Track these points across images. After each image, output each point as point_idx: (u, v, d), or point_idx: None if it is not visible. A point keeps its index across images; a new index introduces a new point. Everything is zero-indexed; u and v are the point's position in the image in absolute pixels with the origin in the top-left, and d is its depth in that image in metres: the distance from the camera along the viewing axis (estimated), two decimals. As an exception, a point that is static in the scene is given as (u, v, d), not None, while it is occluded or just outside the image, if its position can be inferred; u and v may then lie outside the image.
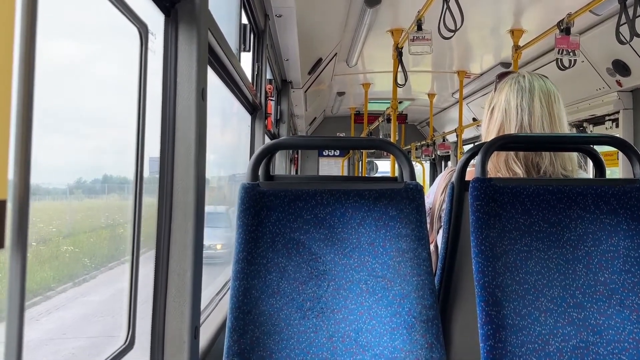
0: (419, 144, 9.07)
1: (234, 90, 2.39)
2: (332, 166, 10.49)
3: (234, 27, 2.65)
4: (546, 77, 1.64)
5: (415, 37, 3.89)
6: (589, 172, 2.53)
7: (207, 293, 2.14)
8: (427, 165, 10.58)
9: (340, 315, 1.26)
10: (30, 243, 0.73)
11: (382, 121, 7.64)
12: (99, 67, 1.37)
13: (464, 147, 6.35)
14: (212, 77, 1.90)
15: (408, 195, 1.31)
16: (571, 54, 3.57)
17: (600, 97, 4.13)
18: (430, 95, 7.43)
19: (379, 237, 1.29)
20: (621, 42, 2.91)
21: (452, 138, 8.14)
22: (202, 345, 1.54)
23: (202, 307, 1.52)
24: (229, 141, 3.26)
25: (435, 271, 1.55)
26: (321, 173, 10.26)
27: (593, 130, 4.39)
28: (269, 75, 3.62)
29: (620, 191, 1.33)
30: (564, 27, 3.52)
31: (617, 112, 4.03)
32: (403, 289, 1.26)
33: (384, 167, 10.68)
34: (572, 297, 1.27)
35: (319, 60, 5.07)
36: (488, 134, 1.65)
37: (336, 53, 5.17)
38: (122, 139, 1.41)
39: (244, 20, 2.79)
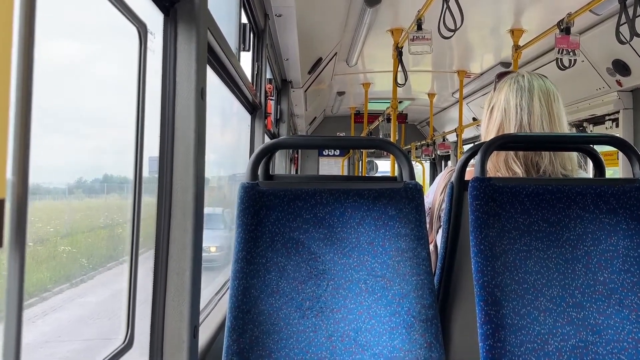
0: (419, 143, 9.07)
1: (233, 89, 2.39)
2: (332, 166, 10.49)
3: (234, 27, 2.65)
4: (545, 76, 1.64)
5: (415, 37, 3.89)
6: (589, 172, 2.53)
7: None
8: (427, 165, 10.58)
9: (340, 314, 1.26)
10: (27, 243, 0.72)
11: (382, 121, 7.64)
12: (98, 66, 1.37)
13: (464, 146, 6.35)
14: (211, 76, 1.90)
15: (407, 195, 1.31)
16: (571, 53, 3.57)
17: (600, 96, 4.13)
18: (430, 95, 7.43)
19: (378, 237, 1.29)
20: (621, 42, 2.91)
21: (452, 138, 8.14)
22: (202, 345, 1.54)
23: (201, 307, 1.52)
24: (229, 141, 3.26)
25: (435, 271, 1.55)
26: (321, 173, 10.27)
27: (593, 130, 4.39)
28: (268, 75, 3.62)
29: (619, 191, 1.33)
30: (564, 27, 3.52)
31: (617, 112, 4.03)
32: (402, 289, 1.26)
33: (384, 167, 10.68)
34: (571, 297, 1.27)
35: (319, 60, 5.07)
36: (487, 133, 1.65)
37: (336, 53, 5.17)
38: (122, 139, 1.41)
39: (244, 20, 2.79)
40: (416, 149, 9.18)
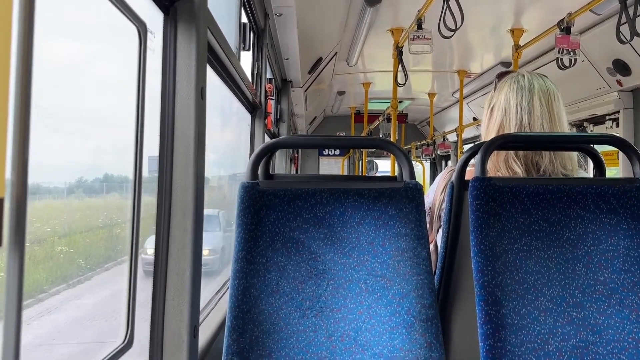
0: (419, 143, 9.07)
1: (233, 89, 2.39)
2: (332, 166, 10.49)
3: (234, 26, 2.64)
4: (545, 76, 1.64)
5: (415, 37, 3.88)
6: (589, 172, 2.53)
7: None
8: (427, 164, 10.58)
9: (340, 314, 1.26)
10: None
11: (382, 120, 7.64)
12: (98, 66, 1.37)
13: (464, 146, 6.35)
14: (211, 76, 1.90)
15: (408, 195, 1.31)
16: (571, 53, 3.57)
17: (600, 96, 4.13)
18: (431, 95, 7.43)
19: (378, 236, 1.29)
20: (621, 42, 2.91)
21: (452, 137, 8.14)
22: (201, 345, 1.53)
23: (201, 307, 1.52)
24: (229, 140, 3.26)
25: (435, 270, 1.55)
26: (321, 172, 10.27)
27: (593, 130, 4.39)
28: (268, 75, 3.62)
29: (620, 190, 1.33)
30: (565, 27, 3.51)
31: (618, 112, 4.03)
32: (402, 288, 1.26)
33: (385, 166, 10.68)
34: (571, 297, 1.26)
35: (319, 60, 5.07)
36: (488, 133, 1.65)
37: (336, 52, 5.17)
38: (122, 138, 1.41)
39: (244, 19, 2.79)
40: (416, 148, 9.18)
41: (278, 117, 4.59)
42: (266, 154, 1.37)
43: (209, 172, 1.50)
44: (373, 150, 9.01)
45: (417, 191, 1.32)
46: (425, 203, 1.49)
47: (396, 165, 1.41)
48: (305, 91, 5.74)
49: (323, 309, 1.26)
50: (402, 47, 4.49)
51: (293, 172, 8.12)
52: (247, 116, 3.22)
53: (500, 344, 1.22)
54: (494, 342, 1.22)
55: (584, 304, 1.26)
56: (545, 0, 3.67)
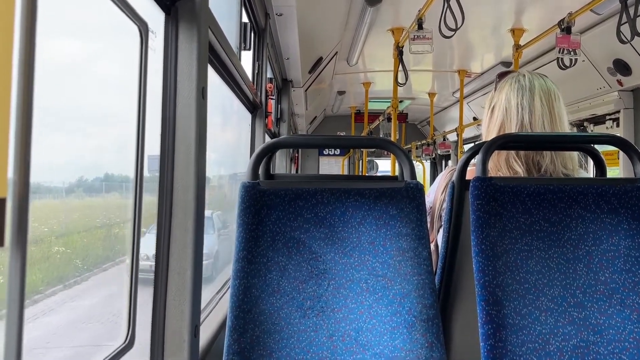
0: (420, 143, 9.07)
1: (234, 88, 2.39)
2: (332, 165, 10.49)
3: (235, 26, 2.64)
4: (546, 76, 1.64)
5: (416, 36, 3.88)
6: (590, 172, 2.52)
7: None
8: (427, 164, 10.57)
9: (341, 314, 1.26)
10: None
11: (382, 120, 7.64)
12: (99, 65, 1.37)
13: (464, 146, 6.35)
14: (212, 75, 1.90)
15: (408, 194, 1.31)
16: (572, 53, 3.57)
17: (601, 96, 4.13)
18: (431, 95, 7.43)
19: (379, 236, 1.29)
20: (622, 42, 2.91)
21: (452, 137, 8.14)
22: (202, 344, 1.54)
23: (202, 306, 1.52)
24: (229, 140, 3.26)
25: (436, 270, 1.55)
26: (321, 172, 10.27)
27: (594, 130, 4.39)
28: (269, 74, 3.62)
29: (621, 190, 1.33)
30: (565, 27, 3.51)
31: (618, 112, 4.03)
32: (403, 288, 1.26)
33: (385, 166, 10.68)
34: (572, 297, 1.26)
35: (320, 59, 5.07)
36: (488, 133, 1.65)
37: (337, 52, 5.17)
38: (123, 138, 1.40)
39: (245, 19, 2.79)
40: (417, 148, 9.18)
41: (278, 116, 4.59)
42: (267, 153, 1.37)
43: (209, 171, 1.49)
44: (373, 150, 9.01)
45: (418, 191, 1.32)
46: (426, 203, 1.49)
47: (397, 165, 1.41)
48: (306, 91, 5.74)
49: (324, 308, 1.26)
50: (402, 47, 4.49)
51: (293, 171, 8.12)
52: (248, 115, 3.22)
53: (501, 344, 1.22)
54: (494, 342, 1.22)
55: (585, 304, 1.26)
56: (545, 0, 3.67)
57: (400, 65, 4.54)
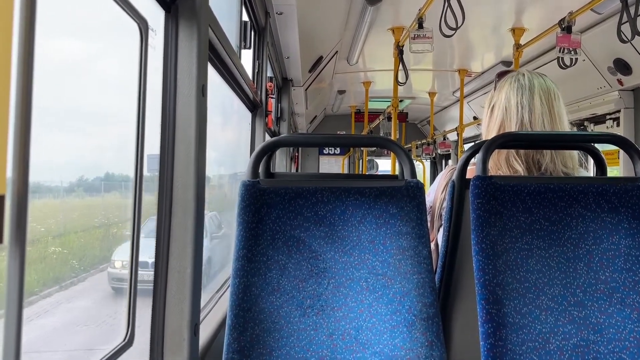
0: (420, 142, 9.07)
1: (234, 87, 2.39)
2: (332, 165, 10.49)
3: (235, 24, 2.64)
4: (545, 75, 1.64)
5: (416, 35, 3.88)
6: (590, 171, 2.52)
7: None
8: (427, 164, 10.58)
9: (341, 313, 1.26)
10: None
11: (382, 119, 7.64)
12: (99, 63, 1.37)
13: (464, 145, 6.34)
14: (212, 74, 1.90)
15: (409, 193, 1.31)
16: (572, 52, 3.57)
17: (601, 95, 4.13)
18: (431, 94, 7.43)
19: (379, 235, 1.29)
20: (622, 41, 2.91)
21: (452, 137, 8.14)
22: (202, 343, 1.53)
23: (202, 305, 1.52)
24: (229, 139, 3.25)
25: (436, 269, 1.55)
26: (321, 171, 10.27)
27: (594, 129, 4.39)
28: (269, 73, 3.62)
29: (621, 189, 1.32)
30: (565, 26, 3.51)
31: (618, 111, 4.03)
32: (403, 287, 1.26)
33: (385, 166, 10.67)
34: (572, 296, 1.26)
35: (320, 58, 5.06)
36: (488, 132, 1.65)
37: (337, 51, 5.16)
38: (123, 136, 1.40)
39: (245, 18, 2.78)
40: (417, 147, 9.18)
41: (278, 115, 4.58)
42: (267, 152, 1.37)
43: (208, 171, 1.47)
44: (373, 149, 9.01)
45: (418, 190, 1.32)
46: (426, 202, 1.49)
47: (397, 163, 1.41)
48: (306, 90, 5.74)
49: (324, 307, 1.26)
50: (402, 46, 4.49)
51: (293, 170, 8.12)
52: (248, 114, 3.22)
53: (501, 343, 1.22)
54: (494, 340, 1.22)
55: (585, 303, 1.26)
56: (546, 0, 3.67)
57: (401, 65, 4.54)
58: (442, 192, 1.67)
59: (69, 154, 1.25)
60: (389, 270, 1.27)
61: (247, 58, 2.98)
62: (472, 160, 1.48)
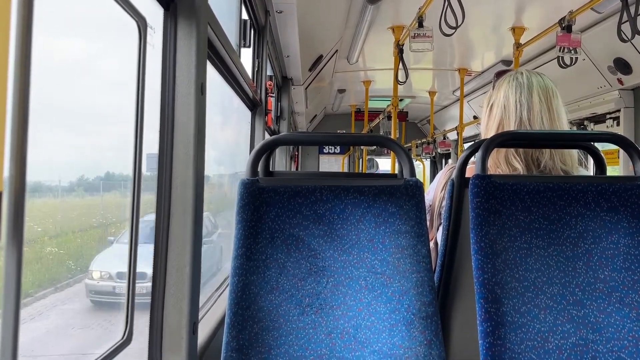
0: (420, 141, 9.07)
1: (233, 86, 2.38)
2: (332, 164, 10.49)
3: (234, 23, 2.64)
4: (544, 74, 1.64)
5: (416, 34, 3.88)
6: (590, 170, 2.52)
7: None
8: (427, 163, 10.57)
9: (339, 311, 1.26)
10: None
11: (382, 118, 7.64)
12: (97, 61, 1.37)
13: (464, 144, 6.34)
14: (212, 72, 1.89)
15: (408, 192, 1.31)
16: (572, 51, 3.56)
17: (601, 95, 4.13)
18: (431, 93, 7.43)
19: (378, 234, 1.29)
20: (623, 40, 2.91)
21: (452, 136, 8.13)
22: (201, 341, 1.53)
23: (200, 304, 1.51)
24: (229, 138, 3.25)
25: (435, 268, 1.55)
26: (321, 170, 10.27)
27: (594, 129, 4.39)
28: (269, 72, 3.61)
29: (620, 189, 1.32)
30: (566, 25, 3.51)
31: (618, 111, 4.03)
32: (402, 286, 1.26)
33: (385, 165, 10.67)
34: (571, 295, 1.26)
35: (320, 57, 5.06)
36: (487, 130, 1.65)
37: (337, 50, 5.16)
38: (121, 135, 1.40)
39: (244, 16, 2.78)
40: (417, 147, 9.18)
41: (278, 114, 4.58)
42: (266, 150, 1.36)
43: (207, 170, 1.45)
44: (373, 148, 9.01)
45: (417, 188, 1.32)
46: (426, 201, 1.49)
47: (396, 162, 1.41)
48: (306, 89, 5.74)
49: (323, 306, 1.26)
50: (402, 45, 4.49)
51: (293, 169, 8.12)
52: (247, 113, 3.21)
53: (500, 342, 1.22)
54: (493, 339, 1.22)
55: (584, 302, 1.26)
56: (546, -1, 3.67)
57: (401, 64, 4.54)
58: (442, 190, 1.67)
59: (67, 153, 1.25)
60: (388, 269, 1.27)
61: (246, 57, 2.98)
62: (472, 159, 1.48)
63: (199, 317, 1.52)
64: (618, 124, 4.06)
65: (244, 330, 1.23)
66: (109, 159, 1.48)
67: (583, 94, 4.27)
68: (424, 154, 8.97)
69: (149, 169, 1.32)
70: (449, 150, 8.53)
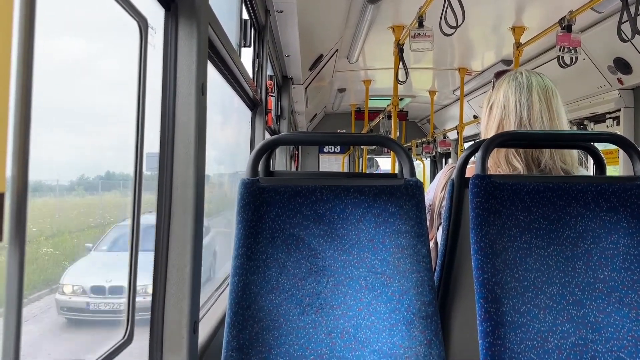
0: (420, 141, 9.07)
1: (234, 85, 2.39)
2: (332, 163, 10.49)
3: (235, 23, 2.64)
4: (543, 74, 1.65)
5: (416, 34, 3.88)
6: (590, 170, 2.52)
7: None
8: (427, 162, 10.57)
9: (340, 311, 1.26)
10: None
11: (382, 118, 7.64)
12: (98, 62, 1.37)
13: (464, 144, 6.34)
14: (212, 72, 1.90)
15: (408, 192, 1.31)
16: (572, 51, 3.56)
17: (601, 95, 4.13)
18: (431, 92, 7.43)
19: (378, 234, 1.29)
20: (623, 40, 2.91)
21: (452, 135, 8.13)
22: (201, 340, 1.54)
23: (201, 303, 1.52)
24: (229, 137, 3.25)
25: (435, 268, 1.55)
26: (321, 170, 10.27)
27: (594, 128, 4.39)
28: (269, 71, 3.62)
29: (620, 189, 1.33)
30: (566, 25, 3.51)
31: (618, 110, 4.03)
32: (402, 286, 1.26)
33: (386, 164, 10.67)
34: (571, 295, 1.27)
35: (320, 57, 5.06)
36: (487, 130, 1.65)
37: (337, 49, 5.16)
38: (122, 135, 1.40)
39: (245, 16, 2.78)
40: (417, 146, 9.18)
41: (278, 114, 4.58)
42: (267, 150, 1.37)
43: (207, 169, 1.44)
44: (373, 147, 9.01)
45: (417, 188, 1.32)
46: (426, 200, 1.49)
47: (397, 162, 1.41)
48: (306, 88, 5.74)
49: (323, 305, 1.26)
50: (403, 45, 4.49)
51: (293, 169, 8.12)
52: (248, 112, 3.22)
53: (499, 342, 1.22)
54: (493, 339, 1.22)
55: (583, 302, 1.26)
56: (546, -2, 3.67)
57: (401, 63, 4.54)
58: (442, 190, 1.67)
59: (68, 153, 1.25)
60: (388, 268, 1.27)
61: (247, 56, 2.98)
62: (472, 158, 1.48)
63: (200, 316, 1.52)
64: (618, 124, 4.06)
65: (244, 330, 1.23)
66: (109, 158, 1.48)
67: (583, 94, 4.27)
68: (424, 153, 8.97)
69: (148, 168, 1.33)
70: (449, 149, 8.54)
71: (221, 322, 1.84)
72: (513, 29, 4.29)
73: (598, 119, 4.33)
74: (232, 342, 1.22)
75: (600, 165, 1.57)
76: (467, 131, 7.04)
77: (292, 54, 4.12)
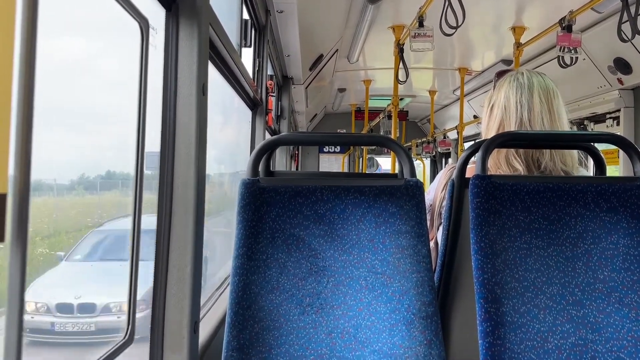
0: (420, 140, 9.07)
1: (234, 85, 2.39)
2: (332, 163, 10.49)
3: (235, 23, 2.64)
4: (544, 74, 1.65)
5: (416, 34, 3.88)
6: (590, 170, 2.52)
7: None
8: (427, 162, 10.57)
9: (340, 311, 1.26)
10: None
11: (383, 118, 7.64)
12: (99, 62, 1.37)
13: (464, 144, 6.35)
14: (213, 72, 1.90)
15: (408, 192, 1.31)
16: (573, 51, 3.57)
17: (601, 95, 4.13)
18: (431, 92, 7.43)
19: (378, 234, 1.29)
20: (623, 40, 2.91)
21: (452, 135, 8.13)
22: (202, 340, 1.54)
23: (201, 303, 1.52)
24: (230, 137, 3.25)
25: (435, 268, 1.55)
26: (321, 170, 10.27)
27: (594, 128, 4.39)
28: (269, 71, 3.62)
29: (620, 189, 1.33)
30: (566, 25, 3.51)
31: (618, 110, 4.03)
32: (402, 286, 1.26)
33: (386, 164, 10.67)
34: (571, 295, 1.27)
35: (320, 57, 5.06)
36: (488, 131, 1.65)
37: (337, 49, 5.16)
38: (123, 135, 1.40)
39: (245, 16, 2.78)
40: (417, 146, 9.18)
41: (279, 114, 4.58)
42: (267, 150, 1.37)
43: (207, 169, 1.43)
44: (374, 147, 9.01)
45: (417, 188, 1.32)
46: (426, 200, 1.49)
47: (397, 162, 1.41)
48: (306, 88, 5.74)
49: (323, 305, 1.27)
50: (403, 45, 4.49)
51: (293, 169, 8.13)
52: (248, 112, 3.22)
53: (499, 342, 1.22)
54: (493, 339, 1.22)
55: (583, 302, 1.26)
56: (546, -2, 3.67)
57: (401, 63, 4.54)
58: (442, 190, 1.67)
59: (68, 153, 1.25)
60: (388, 268, 1.27)
61: (247, 56, 2.98)
62: (472, 159, 1.48)
63: (200, 316, 1.52)
64: (618, 124, 4.06)
65: (244, 330, 1.23)
66: (109, 158, 1.48)
67: (583, 94, 4.28)
68: (424, 153, 8.97)
69: (148, 168, 1.33)
70: (449, 149, 8.54)
71: (222, 322, 1.84)
72: (513, 29, 4.29)
73: (598, 119, 4.33)
74: (233, 342, 1.22)
75: (600, 165, 1.58)
76: (467, 131, 7.04)
77: (292, 53, 4.13)
